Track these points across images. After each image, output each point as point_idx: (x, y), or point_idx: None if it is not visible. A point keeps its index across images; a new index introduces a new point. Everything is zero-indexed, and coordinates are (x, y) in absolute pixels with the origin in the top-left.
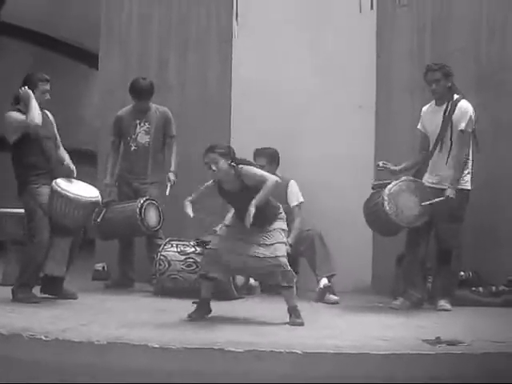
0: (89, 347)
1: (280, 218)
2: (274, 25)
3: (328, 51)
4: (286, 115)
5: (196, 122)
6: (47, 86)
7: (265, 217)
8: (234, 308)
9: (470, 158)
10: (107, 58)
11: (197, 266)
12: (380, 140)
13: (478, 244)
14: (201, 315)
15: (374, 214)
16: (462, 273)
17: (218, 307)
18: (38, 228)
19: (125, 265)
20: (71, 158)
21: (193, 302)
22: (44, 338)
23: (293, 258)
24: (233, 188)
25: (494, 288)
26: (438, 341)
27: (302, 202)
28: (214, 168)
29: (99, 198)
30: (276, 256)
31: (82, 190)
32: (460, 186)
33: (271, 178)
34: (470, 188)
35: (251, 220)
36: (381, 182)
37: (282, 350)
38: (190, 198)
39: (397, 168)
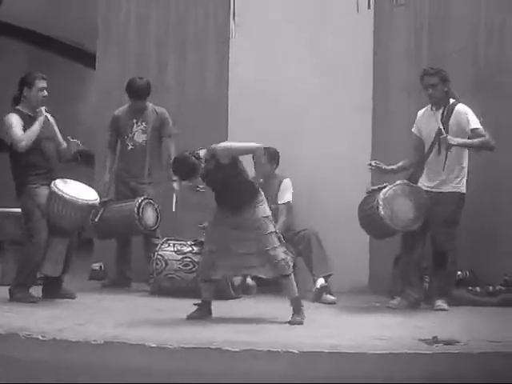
0: (86, 347)
1: (260, 203)
2: (272, 25)
3: (325, 51)
4: (284, 115)
5: (194, 121)
6: (44, 84)
7: (245, 196)
8: (231, 307)
9: (467, 161)
10: (105, 58)
11: (194, 266)
12: (377, 139)
13: (474, 244)
14: (200, 317)
15: (369, 218)
16: (459, 272)
17: (215, 307)
18: (35, 228)
19: (122, 264)
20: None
21: (194, 304)
22: (41, 338)
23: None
24: (209, 165)
25: (490, 288)
26: (434, 340)
27: (289, 201)
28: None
29: (97, 201)
30: (266, 250)
31: (79, 191)
32: (455, 190)
33: (255, 146)
34: (464, 191)
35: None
36: (375, 187)
37: (280, 350)
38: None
39: (389, 168)
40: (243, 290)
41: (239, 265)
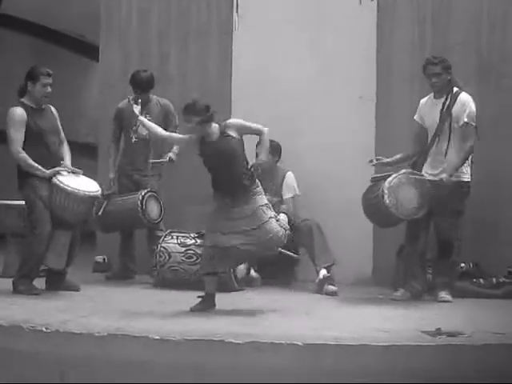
0: (89, 339)
1: (256, 193)
2: (274, 16)
3: (329, 43)
4: (286, 107)
5: None
6: (49, 80)
7: (241, 183)
8: (234, 300)
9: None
10: (107, 51)
11: (197, 258)
12: (380, 131)
13: (478, 236)
14: (204, 309)
15: (374, 206)
16: (463, 264)
17: (218, 299)
18: (38, 220)
19: (125, 257)
20: (71, 151)
21: (198, 296)
22: (44, 330)
23: (294, 249)
24: (214, 149)
25: (494, 280)
26: (438, 332)
27: (296, 195)
28: (189, 125)
29: (99, 193)
30: (267, 239)
31: (82, 184)
32: (460, 178)
33: (263, 129)
34: (469, 180)
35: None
36: (380, 175)
37: (283, 342)
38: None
39: (390, 160)
40: (247, 283)
41: (241, 256)
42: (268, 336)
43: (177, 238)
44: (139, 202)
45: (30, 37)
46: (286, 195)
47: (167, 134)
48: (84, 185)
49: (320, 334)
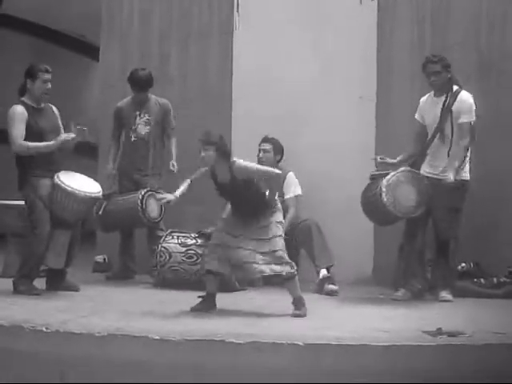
0: (89, 339)
1: (277, 210)
2: (275, 16)
3: (329, 43)
4: (287, 106)
5: (197, 113)
6: (48, 76)
7: (260, 206)
8: (235, 300)
9: (469, 149)
10: (108, 51)
11: (197, 258)
12: (380, 130)
13: (479, 235)
14: (204, 309)
15: (372, 204)
16: (464, 264)
17: (219, 299)
18: (38, 220)
19: (125, 256)
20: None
21: (198, 297)
22: (45, 330)
23: (294, 249)
24: (224, 179)
25: (495, 279)
26: (438, 332)
27: (299, 195)
28: (202, 154)
29: (100, 193)
30: (273, 251)
31: (82, 184)
32: (459, 177)
33: (270, 170)
34: (468, 178)
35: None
36: (379, 173)
37: (284, 342)
38: (191, 177)
39: (395, 161)
40: (248, 283)
41: (244, 261)
42: (269, 336)
43: (177, 238)
44: (139, 201)
45: (31, 37)
46: (287, 195)
47: (188, 181)
48: (85, 185)
49: (320, 334)
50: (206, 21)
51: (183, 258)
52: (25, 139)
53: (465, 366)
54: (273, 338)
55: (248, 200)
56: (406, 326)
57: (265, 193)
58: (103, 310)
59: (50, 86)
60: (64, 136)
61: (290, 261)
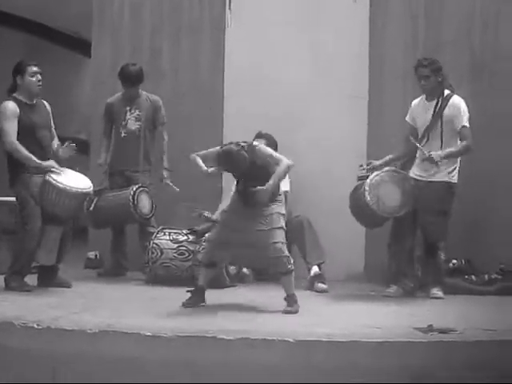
0: (81, 335)
1: (279, 201)
2: (267, 13)
3: (321, 40)
4: (279, 104)
5: (189, 109)
6: (36, 68)
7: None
8: (226, 296)
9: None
10: (99, 46)
11: (189, 255)
12: (372, 129)
13: (470, 233)
14: (195, 303)
15: (358, 205)
16: (455, 261)
17: (210, 295)
18: (30, 216)
19: (117, 253)
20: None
21: (187, 291)
22: (36, 327)
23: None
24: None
25: (486, 276)
26: (429, 329)
27: (286, 191)
28: None
29: (91, 189)
30: (272, 242)
31: (74, 180)
32: (446, 180)
33: (285, 161)
34: (456, 182)
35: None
36: (366, 174)
37: (275, 338)
38: (198, 153)
39: (381, 161)
40: (239, 279)
41: (242, 256)
42: (260, 332)
43: (169, 235)
44: (131, 197)
45: (25, 34)
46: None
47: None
48: (76, 181)
49: (311, 331)
50: (197, 16)
51: (175, 255)
52: (18, 135)
53: (456, 363)
54: (264, 335)
55: (258, 181)
56: (397, 323)
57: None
58: (95, 307)
59: (40, 78)
60: (55, 165)
61: (288, 255)
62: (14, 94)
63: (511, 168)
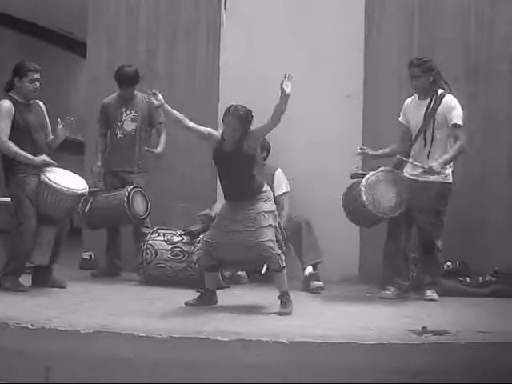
0: (75, 336)
1: (263, 199)
2: (262, 12)
3: (317, 39)
4: (274, 103)
5: (184, 109)
6: (37, 75)
7: (249, 189)
8: (220, 297)
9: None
10: (95, 47)
11: (184, 255)
12: (367, 128)
13: (465, 235)
14: (200, 304)
15: (352, 205)
16: (450, 263)
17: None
18: (25, 217)
19: (112, 254)
20: (59, 148)
21: (196, 291)
22: (30, 327)
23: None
24: (228, 148)
25: (481, 278)
26: (424, 331)
27: (287, 192)
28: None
29: (86, 190)
30: (259, 241)
31: (69, 181)
32: (442, 179)
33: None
34: (451, 181)
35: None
36: (359, 172)
37: (269, 340)
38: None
39: (376, 152)
40: (234, 281)
41: (235, 258)
42: (254, 334)
43: (163, 236)
44: (125, 198)
45: (19, 33)
46: (279, 192)
47: (187, 121)
48: (71, 182)
49: (306, 332)
50: (192, 16)
51: (169, 256)
52: (12, 135)
53: (450, 365)
54: (258, 336)
55: (238, 174)
56: (392, 325)
57: (254, 175)
58: (89, 307)
59: (37, 85)
60: (47, 158)
61: (279, 252)
62: (11, 93)
63: (506, 169)
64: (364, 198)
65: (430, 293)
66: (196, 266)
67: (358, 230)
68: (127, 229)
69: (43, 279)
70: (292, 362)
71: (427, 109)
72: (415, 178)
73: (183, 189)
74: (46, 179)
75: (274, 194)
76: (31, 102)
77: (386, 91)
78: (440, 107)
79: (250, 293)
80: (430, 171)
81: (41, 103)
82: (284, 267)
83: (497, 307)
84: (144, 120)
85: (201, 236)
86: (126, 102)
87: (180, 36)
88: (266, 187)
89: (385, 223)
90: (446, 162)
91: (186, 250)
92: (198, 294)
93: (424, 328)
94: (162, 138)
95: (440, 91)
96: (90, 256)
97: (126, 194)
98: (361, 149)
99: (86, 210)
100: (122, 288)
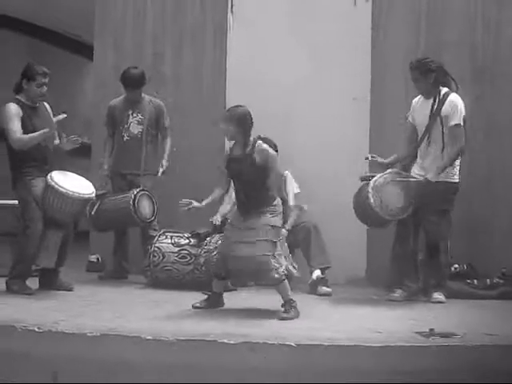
0: (82, 339)
1: (271, 212)
2: (269, 15)
3: (323, 42)
4: (281, 105)
5: (191, 113)
6: (45, 80)
7: (260, 202)
8: (228, 300)
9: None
10: (102, 50)
11: (191, 258)
12: (374, 131)
13: (472, 237)
14: (207, 307)
15: (361, 207)
16: (457, 265)
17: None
18: (31, 219)
19: (119, 256)
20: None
21: (203, 293)
22: (37, 330)
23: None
24: (237, 154)
25: (488, 280)
26: (431, 333)
27: (297, 193)
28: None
29: (93, 194)
30: (255, 255)
31: (76, 185)
32: (448, 179)
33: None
34: (457, 181)
35: None
36: (369, 175)
37: (276, 342)
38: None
39: (385, 161)
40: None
41: (238, 271)
42: (261, 336)
43: (171, 238)
44: (131, 201)
45: (27, 37)
46: (291, 193)
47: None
48: (78, 185)
49: (313, 335)
50: (199, 19)
51: (176, 258)
52: None
53: (457, 367)
54: (265, 339)
55: (252, 186)
56: (399, 327)
57: (268, 187)
58: (96, 310)
59: (45, 89)
60: (45, 130)
61: (276, 266)
62: (18, 97)
63: None
64: (371, 201)
65: (437, 295)
66: (203, 268)
67: (365, 232)
68: (134, 231)
69: (50, 282)
70: (299, 364)
71: (432, 109)
72: (421, 177)
73: (191, 191)
74: (53, 183)
75: (287, 196)
76: (38, 104)
77: (393, 93)
78: (445, 106)
79: (257, 296)
80: (427, 183)
81: (46, 105)
82: (283, 280)
83: (504, 309)
84: (150, 123)
85: (208, 238)
86: (133, 104)
87: (186, 39)
88: (277, 201)
89: (393, 226)
90: (444, 169)
91: (193, 252)
92: (205, 296)
93: (431, 330)
94: (167, 148)
95: (444, 90)
96: (97, 259)
97: (133, 196)
98: (372, 156)
99: (92, 213)
100: (129, 291)
